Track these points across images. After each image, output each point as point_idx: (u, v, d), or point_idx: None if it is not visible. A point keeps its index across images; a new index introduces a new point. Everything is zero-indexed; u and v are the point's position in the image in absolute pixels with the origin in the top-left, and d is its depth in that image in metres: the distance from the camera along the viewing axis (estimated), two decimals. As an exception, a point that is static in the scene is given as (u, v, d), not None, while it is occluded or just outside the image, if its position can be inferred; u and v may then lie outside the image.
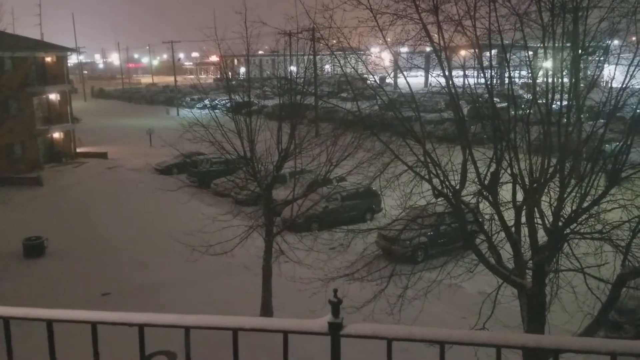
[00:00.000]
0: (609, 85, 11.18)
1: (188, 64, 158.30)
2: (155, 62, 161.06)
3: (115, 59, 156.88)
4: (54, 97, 44.33)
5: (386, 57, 15.95)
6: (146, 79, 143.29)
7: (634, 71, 10.11)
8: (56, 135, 44.60)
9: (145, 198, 32.67)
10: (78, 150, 46.45)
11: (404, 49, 15.28)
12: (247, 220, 18.83)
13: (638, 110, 10.37)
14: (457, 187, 11.56)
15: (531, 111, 11.64)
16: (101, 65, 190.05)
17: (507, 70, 11.51)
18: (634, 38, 11.00)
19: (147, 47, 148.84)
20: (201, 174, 35.52)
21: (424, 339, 2.17)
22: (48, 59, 43.55)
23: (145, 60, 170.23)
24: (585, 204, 10.31)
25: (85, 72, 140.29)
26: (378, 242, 19.61)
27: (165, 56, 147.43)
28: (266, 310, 17.29)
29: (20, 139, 39.61)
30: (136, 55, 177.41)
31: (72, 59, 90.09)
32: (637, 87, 10.28)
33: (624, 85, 10.24)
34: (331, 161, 17.59)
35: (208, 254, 16.95)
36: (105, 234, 26.46)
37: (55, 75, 43.58)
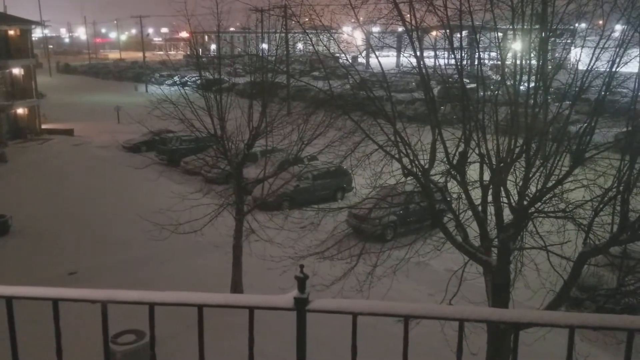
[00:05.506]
0: (575, 68, 11.37)
1: (157, 39, 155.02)
2: (124, 37, 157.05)
3: (81, 33, 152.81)
4: (17, 71, 43.04)
5: (358, 36, 15.88)
6: (114, 55, 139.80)
7: (599, 54, 10.29)
8: (20, 111, 43.38)
9: (113, 175, 32.12)
10: (43, 126, 45.31)
11: (376, 29, 15.22)
12: (217, 199, 18.72)
13: (602, 93, 10.56)
14: (427, 166, 11.67)
15: (499, 92, 11.78)
16: (67, 40, 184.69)
17: (476, 51, 11.58)
18: (600, 21, 11.16)
19: (115, 22, 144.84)
20: (170, 152, 35.06)
21: (388, 313, 2.19)
22: (11, 32, 42.14)
23: (113, 35, 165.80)
24: (550, 184, 10.53)
25: (51, 46, 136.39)
26: (348, 221, 19.72)
27: (133, 31, 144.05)
28: (236, 288, 17.32)
29: (-18, 114, 38.51)
30: (104, 30, 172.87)
31: (37, 33, 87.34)
32: (602, 69, 10.46)
33: (589, 68, 10.43)
34: (302, 140, 17.55)
35: (177, 232, 16.80)
36: (72, 212, 25.98)
37: (18, 49, 42.26)
